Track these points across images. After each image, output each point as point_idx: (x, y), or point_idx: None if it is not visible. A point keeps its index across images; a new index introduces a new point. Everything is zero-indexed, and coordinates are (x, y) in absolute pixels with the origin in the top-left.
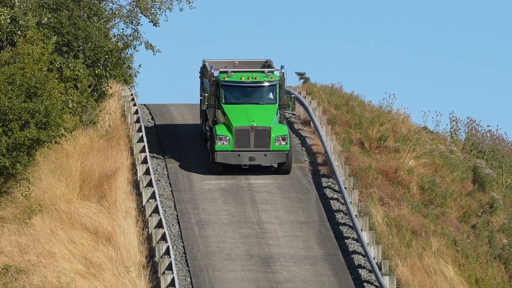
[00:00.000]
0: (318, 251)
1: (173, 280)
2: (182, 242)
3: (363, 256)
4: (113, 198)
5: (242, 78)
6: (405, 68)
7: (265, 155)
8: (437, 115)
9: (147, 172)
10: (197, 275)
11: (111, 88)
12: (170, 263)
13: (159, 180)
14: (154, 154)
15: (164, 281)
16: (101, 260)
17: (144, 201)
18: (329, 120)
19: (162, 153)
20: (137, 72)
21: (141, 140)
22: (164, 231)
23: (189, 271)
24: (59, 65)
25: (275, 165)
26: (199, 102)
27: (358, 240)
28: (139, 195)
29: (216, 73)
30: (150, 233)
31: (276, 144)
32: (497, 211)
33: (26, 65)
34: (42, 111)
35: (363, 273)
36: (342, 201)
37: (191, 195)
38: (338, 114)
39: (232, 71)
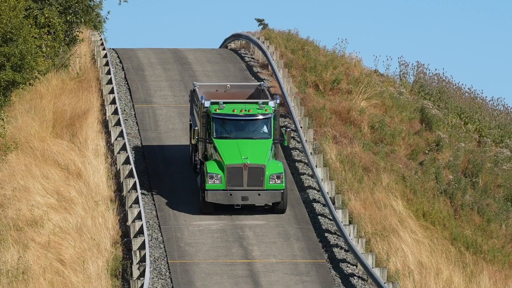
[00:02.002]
0: None
1: (139, 213)
2: (148, 177)
3: (318, 191)
4: (84, 137)
5: (235, 110)
6: (357, 14)
7: (259, 194)
8: (387, 59)
9: (115, 112)
10: (162, 209)
11: (81, 33)
12: (137, 198)
13: (127, 120)
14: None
15: (131, 214)
16: (72, 195)
17: (113, 139)
18: (286, 64)
19: (130, 95)
20: (106, 18)
21: (109, 82)
22: (132, 168)
23: (154, 205)
24: (36, 14)
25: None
26: (188, 127)
27: (313, 176)
28: (108, 133)
29: (207, 104)
30: (118, 169)
31: (271, 182)
32: (443, 149)
33: (2, 11)
34: (17, 54)
35: (318, 207)
36: (298, 139)
37: (157, 134)
38: (294, 58)
39: (224, 102)
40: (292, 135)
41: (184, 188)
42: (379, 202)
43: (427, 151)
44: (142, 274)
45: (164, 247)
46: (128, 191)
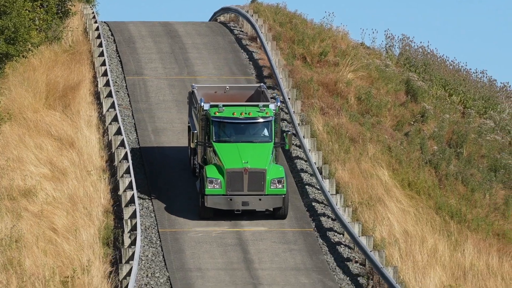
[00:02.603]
0: None
1: (130, 182)
2: (139, 148)
3: (305, 161)
4: (76, 108)
5: (235, 113)
6: None
7: (260, 199)
8: (373, 32)
9: (107, 84)
10: (153, 178)
11: (74, 6)
12: (128, 167)
13: (118, 91)
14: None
15: (123, 183)
16: (65, 165)
17: (104, 110)
18: (274, 37)
19: (122, 67)
20: None
21: (101, 54)
22: (123, 138)
23: (145, 174)
24: None
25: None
26: (187, 130)
27: (301, 146)
28: (99, 105)
29: (206, 107)
30: (109, 139)
31: (272, 187)
32: (428, 120)
33: None
34: (11, 27)
35: (305, 176)
36: (286, 110)
37: (148, 105)
38: (282, 31)
39: (223, 105)
40: (293, 140)
41: (174, 157)
42: (365, 172)
43: (412, 122)
44: (133, 243)
45: (154, 216)
46: (120, 161)
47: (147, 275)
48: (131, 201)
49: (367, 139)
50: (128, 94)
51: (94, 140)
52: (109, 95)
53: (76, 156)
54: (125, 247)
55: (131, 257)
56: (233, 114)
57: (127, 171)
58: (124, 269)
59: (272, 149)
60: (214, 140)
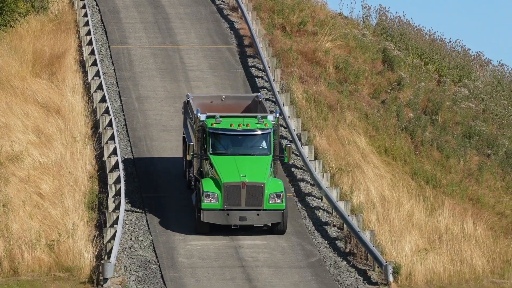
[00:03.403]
0: None
1: (115, 148)
2: (124, 115)
3: (285, 128)
4: (62, 76)
5: (232, 124)
6: None
7: (258, 214)
8: (351, 3)
9: (92, 52)
10: (136, 144)
11: None
12: (113, 134)
13: (103, 60)
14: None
15: (107, 149)
16: (51, 131)
17: (90, 78)
18: (255, 7)
19: (106, 36)
20: None
21: (86, 24)
22: (107, 105)
23: (129, 140)
24: None
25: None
26: (182, 141)
27: (280, 113)
28: (85, 73)
29: (202, 117)
30: (94, 107)
31: (270, 202)
32: (404, 88)
33: None
34: None
35: (285, 143)
36: (266, 79)
37: (132, 73)
38: (262, 1)
39: (220, 116)
40: (292, 151)
41: (157, 125)
42: (343, 139)
43: (389, 90)
44: (117, 207)
45: (138, 181)
46: (104, 128)
47: (131, 239)
48: (115, 166)
49: (345, 106)
50: (112, 62)
51: (80, 107)
52: (94, 63)
53: (62, 123)
54: (110, 211)
55: (115, 221)
56: (230, 125)
57: (112, 138)
58: (109, 233)
59: (271, 162)
60: (210, 152)
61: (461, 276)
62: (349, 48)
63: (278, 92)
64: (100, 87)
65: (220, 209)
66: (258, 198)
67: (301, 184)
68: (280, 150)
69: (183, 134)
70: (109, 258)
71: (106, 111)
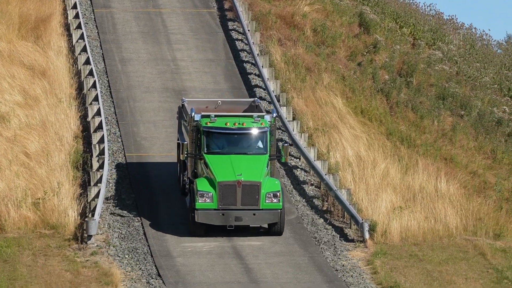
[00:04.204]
0: (224, 85)
1: (99, 109)
2: (107, 77)
3: (264, 89)
4: (48, 39)
5: (227, 123)
6: None
7: (254, 214)
8: None
9: (76, 16)
10: (120, 105)
11: None
12: (97, 95)
13: (87, 23)
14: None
15: (91, 110)
16: (37, 92)
17: (74, 41)
18: None
19: (90, 0)
20: None
21: None
22: (91, 67)
23: (113, 102)
24: None
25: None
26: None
27: (260, 75)
28: (69, 36)
29: (197, 117)
30: (79, 69)
31: (267, 202)
32: (380, 51)
33: None
34: None
35: (264, 104)
36: (246, 41)
37: (115, 36)
38: None
39: (215, 116)
40: (289, 150)
41: (140, 86)
42: (321, 100)
43: (365, 53)
44: (101, 166)
45: (121, 141)
46: (88, 89)
47: (114, 197)
48: (99, 127)
49: (322, 68)
50: (96, 26)
51: (64, 69)
52: (79, 27)
53: (47, 85)
54: (94, 170)
55: (99, 180)
56: (225, 124)
57: (96, 99)
58: (93, 191)
59: (268, 161)
60: (205, 151)
61: (435, 233)
62: (326, 12)
63: (258, 54)
64: (84, 49)
65: (215, 209)
66: (254, 197)
67: (280, 144)
68: (277, 151)
69: (178, 140)
70: (93, 216)
71: (90, 73)
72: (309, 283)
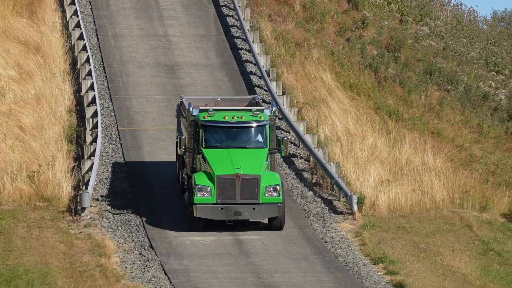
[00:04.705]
0: (215, 60)
1: (92, 84)
2: (100, 52)
3: (254, 64)
4: (42, 15)
5: (226, 117)
6: None
7: (254, 208)
8: None
9: None
10: (113, 80)
11: None
12: (90, 70)
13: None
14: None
15: (85, 85)
16: (31, 67)
17: (68, 17)
18: None
19: None
20: None
21: None
22: (85, 43)
23: (106, 76)
24: None
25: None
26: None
27: (250, 51)
28: (63, 12)
29: (195, 112)
30: (72, 44)
31: (267, 195)
32: (368, 27)
33: None
34: None
35: (254, 79)
36: (237, 17)
37: (108, 12)
38: None
39: (214, 109)
40: (289, 144)
41: (132, 61)
42: (310, 75)
43: (353, 29)
44: (94, 140)
45: (114, 115)
46: (82, 64)
47: (107, 170)
48: (93, 101)
49: (311, 44)
50: (89, 1)
51: (58, 44)
52: (72, 3)
53: (42, 60)
54: (87, 144)
55: (93, 153)
56: (224, 118)
57: (89, 74)
58: (86, 164)
59: (267, 155)
60: (203, 146)
61: (422, 206)
62: None
63: (248, 30)
64: (78, 25)
65: (213, 204)
66: (254, 191)
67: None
68: (277, 145)
69: (176, 138)
70: (86, 188)
71: (84, 49)
72: (298, 254)
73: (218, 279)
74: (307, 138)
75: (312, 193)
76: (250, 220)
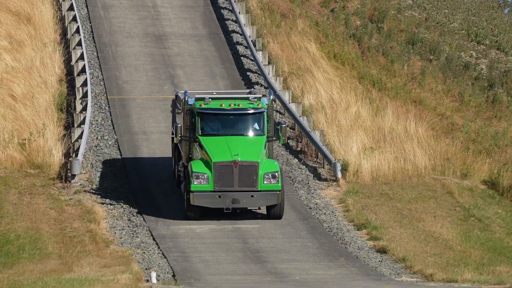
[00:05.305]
0: (203, 31)
1: (82, 54)
2: (90, 22)
3: (241, 35)
4: None
5: (223, 105)
6: None
7: (252, 196)
8: None
9: None
10: (102, 50)
11: None
12: (80, 40)
13: None
14: None
15: (75, 54)
16: (22, 37)
17: None
18: None
19: None
20: None
21: None
22: (75, 13)
23: (95, 46)
24: None
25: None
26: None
27: (236, 21)
28: None
29: (191, 101)
30: (63, 15)
31: (265, 182)
32: None
33: None
34: None
35: (241, 49)
36: None
37: None
38: None
39: (210, 97)
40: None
41: (121, 32)
42: (295, 45)
43: (337, 0)
44: (84, 108)
45: (104, 84)
46: (72, 34)
47: (97, 138)
48: (83, 70)
49: (296, 14)
50: None
51: (49, 15)
52: None
53: (33, 30)
54: (77, 112)
55: (83, 122)
56: (221, 105)
57: (79, 44)
58: (76, 132)
59: (265, 143)
60: (200, 134)
61: (404, 173)
62: None
63: (235, 1)
64: None
65: (211, 191)
66: (252, 178)
67: (256, 87)
68: (275, 133)
69: (172, 134)
70: (76, 156)
71: (74, 19)
72: (283, 220)
73: (205, 244)
74: (292, 106)
75: (297, 160)
76: (248, 208)
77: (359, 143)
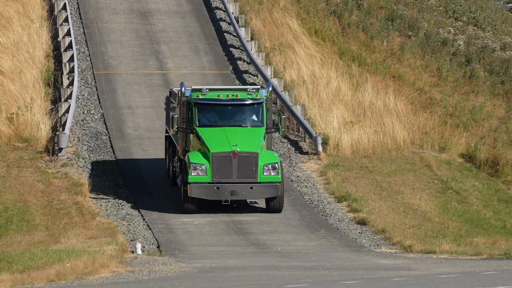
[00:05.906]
0: (187, 7)
1: (69, 30)
2: (77, 1)
3: (224, 11)
4: None
5: (220, 95)
6: None
7: (251, 188)
8: None
9: None
10: (88, 26)
11: None
12: (67, 16)
13: None
14: None
15: (62, 31)
16: (10, 14)
17: None
18: None
19: None
20: None
21: None
22: None
23: (82, 23)
24: None
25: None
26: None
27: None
28: None
29: (187, 93)
30: None
31: (265, 174)
32: None
33: None
34: None
35: (224, 25)
36: None
37: None
38: None
39: (207, 88)
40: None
41: (107, 8)
42: (277, 21)
43: None
44: (71, 83)
45: (90, 60)
46: (59, 11)
47: (83, 112)
48: (69, 46)
49: None
50: None
51: None
52: None
53: (21, 7)
54: (64, 87)
55: (69, 96)
56: (218, 96)
57: (66, 20)
58: (63, 107)
59: (264, 134)
60: (197, 125)
61: (384, 146)
62: None
63: None
64: None
65: (209, 183)
66: (251, 169)
67: (239, 62)
68: (274, 125)
69: (166, 133)
70: (63, 129)
71: None
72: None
73: (189, 216)
74: (274, 81)
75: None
76: (247, 200)
77: (339, 118)
